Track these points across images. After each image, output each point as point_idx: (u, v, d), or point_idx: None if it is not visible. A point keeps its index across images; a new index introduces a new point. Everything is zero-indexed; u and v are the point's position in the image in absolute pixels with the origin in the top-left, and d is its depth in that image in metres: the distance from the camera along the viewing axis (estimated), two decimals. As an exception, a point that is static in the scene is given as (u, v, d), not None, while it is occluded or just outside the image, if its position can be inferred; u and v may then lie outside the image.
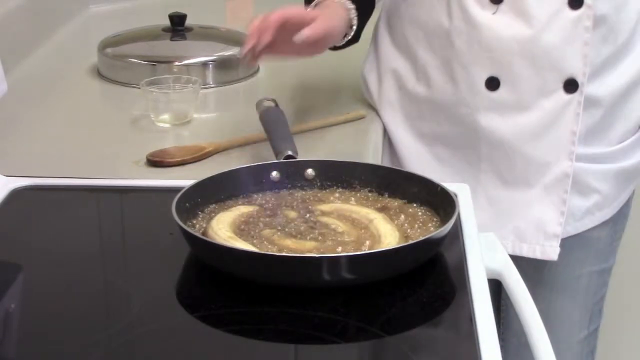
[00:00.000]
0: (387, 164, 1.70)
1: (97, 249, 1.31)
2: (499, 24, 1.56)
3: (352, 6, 1.58)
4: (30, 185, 1.41)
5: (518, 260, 1.56)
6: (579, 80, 1.57)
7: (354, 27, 1.59)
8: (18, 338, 1.11)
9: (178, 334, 1.11)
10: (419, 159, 1.68)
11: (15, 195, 1.39)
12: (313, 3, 1.60)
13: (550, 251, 1.64)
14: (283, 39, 1.49)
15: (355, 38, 1.61)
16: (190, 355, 1.07)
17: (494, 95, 1.59)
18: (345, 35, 1.59)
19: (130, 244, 1.33)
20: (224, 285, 1.17)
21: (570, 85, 1.57)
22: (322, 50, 1.56)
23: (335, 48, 1.62)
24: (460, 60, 1.60)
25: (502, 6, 1.56)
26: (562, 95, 1.58)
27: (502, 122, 1.60)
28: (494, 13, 1.56)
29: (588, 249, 1.71)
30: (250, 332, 1.11)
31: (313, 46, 1.52)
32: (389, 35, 1.70)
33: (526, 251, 1.65)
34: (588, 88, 1.58)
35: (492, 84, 1.59)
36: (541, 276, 1.71)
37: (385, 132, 1.72)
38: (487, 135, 1.62)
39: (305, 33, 1.47)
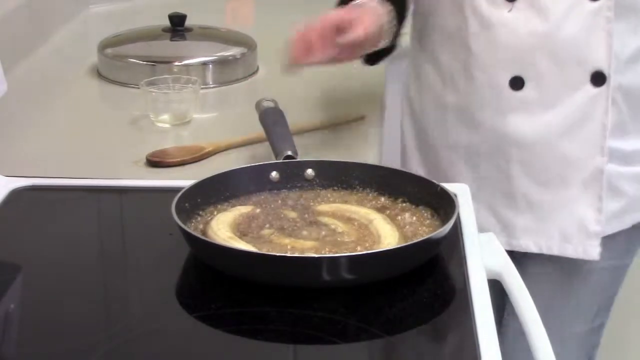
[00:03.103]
0: (421, 172, 1.66)
1: (97, 249, 1.31)
2: (515, 22, 1.53)
3: (390, 7, 1.55)
4: (30, 185, 1.41)
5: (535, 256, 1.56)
6: (606, 72, 1.53)
7: (394, 30, 1.56)
8: (18, 338, 1.11)
9: (178, 334, 1.11)
10: (452, 168, 1.65)
11: (15, 195, 1.39)
12: (349, 5, 1.56)
13: (592, 250, 1.61)
14: (324, 44, 1.46)
15: (393, 45, 1.60)
16: (190, 355, 1.07)
17: (519, 95, 1.56)
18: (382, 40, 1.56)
19: (130, 244, 1.33)
20: (224, 285, 1.17)
21: (598, 78, 1.53)
22: (359, 55, 1.55)
23: (372, 62, 1.62)
24: (480, 63, 1.57)
25: (517, 3, 1.53)
26: (590, 89, 1.54)
27: (530, 121, 1.57)
28: (509, 11, 1.53)
29: (603, 246, 1.66)
30: (250, 332, 1.10)
31: (352, 51, 1.50)
32: (418, 42, 1.68)
33: (571, 252, 1.62)
34: (619, 80, 1.55)
35: (516, 83, 1.55)
36: (553, 268, 1.69)
37: (404, 137, 1.71)
38: (516, 137, 1.58)
39: (350, 37, 1.45)
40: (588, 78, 1.54)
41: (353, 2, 1.56)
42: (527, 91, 1.56)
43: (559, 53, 1.53)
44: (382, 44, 1.56)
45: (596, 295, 1.73)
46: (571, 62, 1.54)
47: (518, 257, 1.69)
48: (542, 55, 1.54)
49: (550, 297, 1.69)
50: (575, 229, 1.61)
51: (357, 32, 1.47)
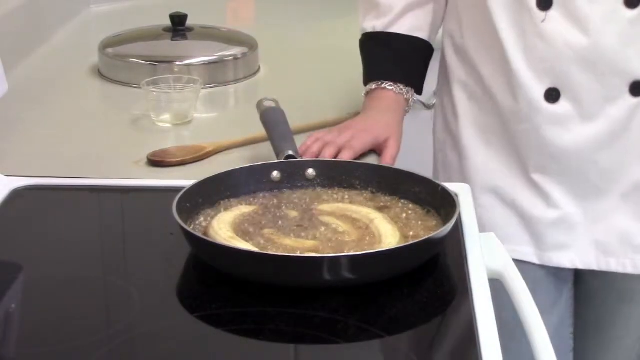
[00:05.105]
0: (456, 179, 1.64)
1: (97, 249, 1.31)
2: (549, 32, 1.49)
3: (409, 94, 1.62)
4: (30, 185, 1.41)
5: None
6: None
7: (411, 104, 1.64)
8: (18, 338, 1.11)
9: (178, 334, 1.11)
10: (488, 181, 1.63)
11: (15, 195, 1.39)
12: (366, 89, 1.63)
13: None
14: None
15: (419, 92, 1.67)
16: (190, 355, 1.07)
17: (556, 107, 1.52)
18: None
19: (130, 244, 1.33)
20: (224, 285, 1.17)
21: (637, 88, 1.50)
22: None
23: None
24: (516, 73, 1.53)
25: (551, 12, 1.49)
26: (629, 100, 1.50)
27: (567, 135, 1.53)
28: (543, 21, 1.49)
29: None
30: (250, 332, 1.10)
31: None
32: (455, 55, 1.65)
33: (615, 266, 1.58)
34: None
35: (552, 96, 1.52)
36: (598, 283, 1.66)
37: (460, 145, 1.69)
38: (553, 150, 1.55)
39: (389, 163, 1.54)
40: (627, 88, 1.50)
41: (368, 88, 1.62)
42: (563, 104, 1.52)
43: (596, 64, 1.49)
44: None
45: None
46: (609, 73, 1.50)
47: (580, 274, 1.68)
48: (578, 67, 1.50)
49: (601, 319, 1.67)
50: (616, 242, 1.57)
51: (394, 155, 1.56)
